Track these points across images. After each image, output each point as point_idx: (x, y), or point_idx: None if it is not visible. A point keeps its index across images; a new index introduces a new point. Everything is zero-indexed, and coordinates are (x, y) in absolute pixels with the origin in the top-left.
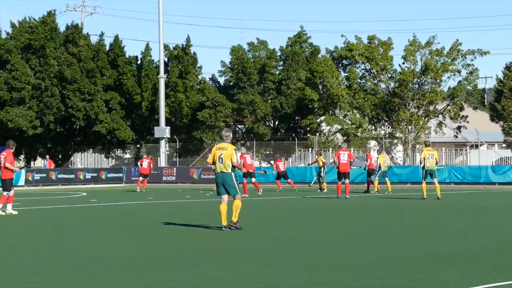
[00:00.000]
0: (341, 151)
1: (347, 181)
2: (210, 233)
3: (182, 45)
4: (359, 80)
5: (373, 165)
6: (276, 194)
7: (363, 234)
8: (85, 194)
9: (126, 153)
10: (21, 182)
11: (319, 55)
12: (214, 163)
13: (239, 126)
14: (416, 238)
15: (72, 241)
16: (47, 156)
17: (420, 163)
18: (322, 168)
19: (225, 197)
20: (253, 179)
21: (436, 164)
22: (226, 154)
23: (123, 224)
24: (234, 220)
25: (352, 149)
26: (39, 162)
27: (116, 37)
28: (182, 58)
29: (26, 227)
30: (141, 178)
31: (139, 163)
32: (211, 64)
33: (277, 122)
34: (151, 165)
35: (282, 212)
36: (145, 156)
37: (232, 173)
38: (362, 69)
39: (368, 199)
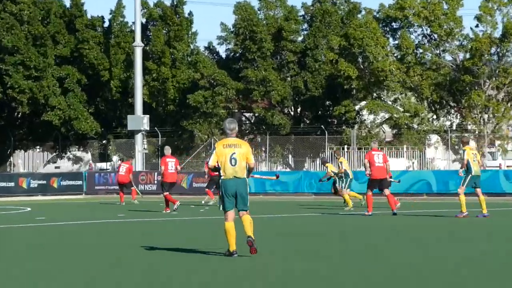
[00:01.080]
0: (374, 151)
1: (387, 191)
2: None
3: (172, 0)
4: (414, 51)
5: None
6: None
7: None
8: (29, 209)
9: (87, 152)
10: None
11: (359, 15)
12: (218, 166)
13: (246, 115)
14: None
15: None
16: None
17: (462, 168)
18: (338, 177)
19: (232, 213)
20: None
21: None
22: (241, 153)
23: (77, 254)
24: (250, 235)
25: (405, 147)
26: None
27: None
28: (170, 19)
29: None
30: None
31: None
32: (207, 27)
33: (299, 109)
34: (131, 171)
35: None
36: (120, 160)
37: (247, 180)
38: (419, 35)
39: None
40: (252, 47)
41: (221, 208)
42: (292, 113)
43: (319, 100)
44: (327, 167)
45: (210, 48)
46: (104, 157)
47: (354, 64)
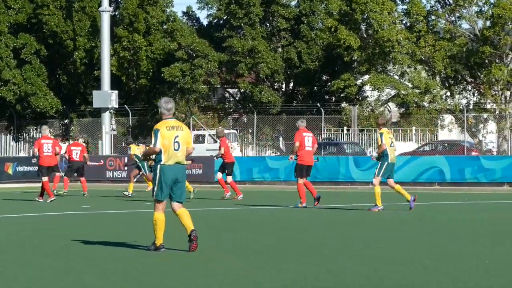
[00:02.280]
0: (304, 132)
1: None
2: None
3: None
4: (426, 17)
5: None
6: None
7: None
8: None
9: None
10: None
11: None
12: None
13: (231, 91)
14: None
15: None
16: None
17: (378, 153)
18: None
19: (165, 203)
20: (230, 178)
21: None
22: (183, 136)
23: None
24: (193, 228)
25: (414, 128)
26: None
27: None
28: None
29: None
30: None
31: (66, 154)
32: None
33: (292, 85)
34: (85, 154)
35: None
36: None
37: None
38: None
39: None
40: (238, 13)
41: (154, 196)
42: (283, 89)
43: (315, 74)
44: (130, 148)
45: (189, 14)
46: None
47: (356, 33)
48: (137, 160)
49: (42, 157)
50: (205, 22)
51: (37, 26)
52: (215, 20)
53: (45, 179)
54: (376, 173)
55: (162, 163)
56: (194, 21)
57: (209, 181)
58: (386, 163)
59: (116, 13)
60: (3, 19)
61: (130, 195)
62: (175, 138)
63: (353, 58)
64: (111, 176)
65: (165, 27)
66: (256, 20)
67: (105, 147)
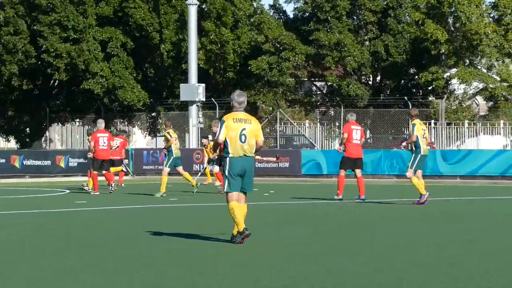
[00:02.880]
0: (352, 125)
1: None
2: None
3: None
4: None
5: None
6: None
7: None
8: (67, 191)
9: (134, 126)
10: None
11: None
12: (223, 143)
13: (318, 84)
14: None
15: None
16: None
17: (408, 143)
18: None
19: (236, 194)
20: (217, 168)
21: None
22: (251, 129)
23: (112, 247)
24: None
25: (502, 122)
26: None
27: None
28: None
29: None
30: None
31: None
32: None
33: (379, 78)
34: (126, 147)
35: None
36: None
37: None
38: None
39: None
40: (324, 6)
41: (225, 190)
42: (370, 82)
43: (402, 67)
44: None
45: (276, 7)
46: (153, 132)
47: (443, 26)
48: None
49: (97, 150)
50: (291, 15)
51: (124, 19)
52: (302, 13)
53: (95, 172)
54: (409, 165)
55: (229, 155)
56: (281, 14)
57: (296, 174)
58: (419, 155)
59: (203, 6)
60: (91, 12)
61: (90, 190)
62: (241, 131)
63: (441, 52)
64: (198, 169)
65: (252, 20)
66: (342, 13)
67: (192, 140)
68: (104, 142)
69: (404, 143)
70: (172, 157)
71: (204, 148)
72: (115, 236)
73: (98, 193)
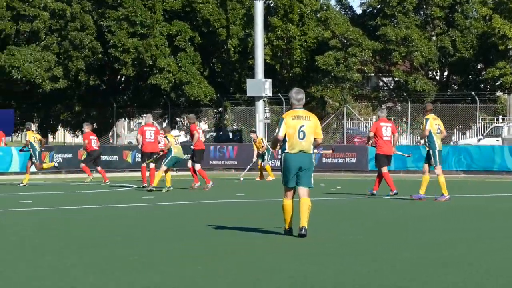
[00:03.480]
0: (382, 122)
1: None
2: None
3: None
4: None
5: None
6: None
7: None
8: (134, 186)
9: (201, 121)
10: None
11: None
12: (283, 139)
13: (384, 79)
14: None
15: None
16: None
17: (422, 139)
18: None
19: (292, 191)
20: (198, 165)
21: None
22: (309, 126)
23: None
24: (305, 226)
25: None
26: (61, 136)
27: None
28: None
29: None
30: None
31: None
32: None
33: (446, 73)
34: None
35: None
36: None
37: (313, 155)
38: None
39: None
40: (392, 1)
41: (283, 184)
42: (437, 77)
43: (469, 62)
44: (26, 134)
45: (342, 3)
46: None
47: (511, 21)
48: (30, 148)
49: (144, 143)
50: (358, 10)
51: (191, 14)
52: (368, 9)
53: (144, 165)
54: (435, 163)
55: (285, 151)
56: (347, 9)
57: (362, 170)
58: (436, 150)
59: (270, 2)
60: (159, 7)
61: (26, 186)
62: (300, 128)
63: (508, 47)
64: (264, 164)
65: (318, 15)
66: (409, 8)
67: (259, 135)
68: (151, 135)
69: (420, 140)
70: (170, 156)
71: (253, 143)
72: (185, 231)
73: (146, 184)
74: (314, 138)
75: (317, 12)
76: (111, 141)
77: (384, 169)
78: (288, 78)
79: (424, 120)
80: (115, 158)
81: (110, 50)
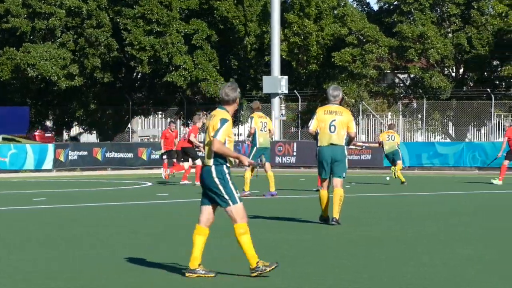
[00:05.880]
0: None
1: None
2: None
3: None
4: None
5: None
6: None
7: None
8: (150, 184)
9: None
10: (47, 163)
11: None
12: (314, 132)
13: (401, 76)
14: None
15: None
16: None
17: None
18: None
19: (327, 182)
20: (198, 161)
21: None
22: (341, 121)
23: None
24: (336, 217)
25: None
26: (76, 132)
27: None
28: None
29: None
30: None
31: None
32: None
33: (462, 70)
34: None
35: None
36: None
37: (345, 148)
38: None
39: None
40: None
41: (318, 174)
42: (453, 74)
43: (485, 59)
44: None
45: (360, 0)
46: (235, 124)
47: None
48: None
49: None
50: (375, 7)
51: (208, 12)
52: (385, 6)
53: (175, 162)
54: (249, 156)
55: (318, 144)
56: (364, 6)
57: (378, 166)
58: (255, 148)
59: None
60: (175, 5)
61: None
62: (331, 122)
63: None
64: (280, 161)
65: (335, 12)
66: (426, 5)
67: (275, 132)
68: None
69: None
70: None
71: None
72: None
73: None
74: (347, 132)
75: (334, 9)
76: (127, 139)
77: None
78: (305, 74)
79: (250, 119)
80: (130, 155)
81: (126, 48)
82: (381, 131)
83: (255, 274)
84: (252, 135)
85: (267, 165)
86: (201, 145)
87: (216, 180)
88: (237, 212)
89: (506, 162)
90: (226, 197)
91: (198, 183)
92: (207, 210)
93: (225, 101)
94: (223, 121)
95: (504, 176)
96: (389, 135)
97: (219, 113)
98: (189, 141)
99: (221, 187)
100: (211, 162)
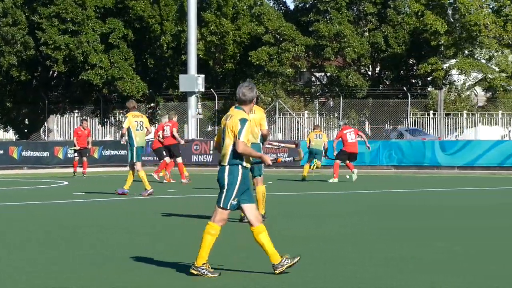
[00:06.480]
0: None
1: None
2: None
3: None
4: None
5: None
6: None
7: None
8: (66, 183)
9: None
10: None
11: None
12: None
13: (317, 74)
14: None
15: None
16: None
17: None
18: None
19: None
20: (179, 159)
21: None
22: (253, 119)
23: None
24: (261, 212)
25: (500, 112)
26: None
27: None
28: None
29: None
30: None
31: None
32: None
33: (378, 69)
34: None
35: None
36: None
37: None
38: None
39: None
40: None
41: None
42: (370, 73)
43: (401, 58)
44: None
45: None
46: (151, 122)
47: (442, 17)
48: None
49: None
50: (291, 6)
51: (124, 11)
52: (302, 5)
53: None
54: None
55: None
56: (281, 5)
57: (295, 165)
58: (134, 148)
59: None
60: (90, 4)
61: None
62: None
63: (440, 43)
64: (197, 160)
65: (252, 11)
66: (342, 4)
67: (191, 131)
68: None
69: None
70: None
71: None
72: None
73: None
74: (260, 130)
75: (251, 8)
76: (42, 137)
77: None
78: (221, 73)
79: (124, 119)
80: (46, 154)
81: (41, 47)
82: (298, 130)
83: (196, 272)
84: (127, 135)
85: (138, 164)
86: (182, 141)
87: (226, 178)
88: (220, 215)
89: (339, 161)
90: (223, 196)
91: (174, 181)
92: (244, 209)
93: (242, 101)
94: (243, 121)
95: (338, 174)
96: (317, 134)
97: (237, 113)
98: (173, 136)
99: (226, 186)
100: (226, 162)
